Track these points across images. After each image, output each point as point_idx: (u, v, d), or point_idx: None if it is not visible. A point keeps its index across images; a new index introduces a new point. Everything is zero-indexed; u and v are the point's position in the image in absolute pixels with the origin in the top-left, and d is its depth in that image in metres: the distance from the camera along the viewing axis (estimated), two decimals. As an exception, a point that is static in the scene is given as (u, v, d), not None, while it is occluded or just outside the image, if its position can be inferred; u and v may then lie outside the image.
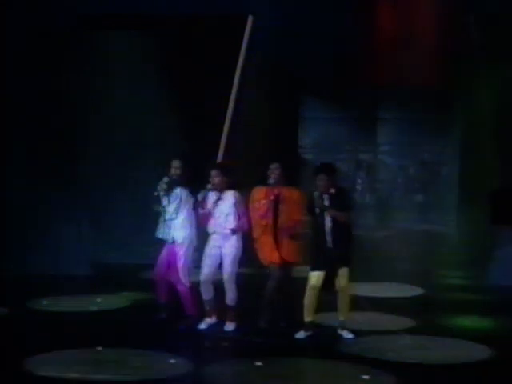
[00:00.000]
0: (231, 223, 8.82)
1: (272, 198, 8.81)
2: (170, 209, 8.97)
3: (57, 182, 12.62)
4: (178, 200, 8.95)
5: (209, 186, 8.80)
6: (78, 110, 13.15)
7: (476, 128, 13.85)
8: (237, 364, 7.90)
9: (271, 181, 8.84)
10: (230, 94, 9.61)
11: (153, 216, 9.14)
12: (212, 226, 8.89)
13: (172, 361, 7.72)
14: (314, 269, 8.55)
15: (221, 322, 8.99)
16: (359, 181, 17.71)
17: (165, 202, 8.99)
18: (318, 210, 8.51)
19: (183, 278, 8.99)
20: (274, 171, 8.83)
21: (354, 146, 17.36)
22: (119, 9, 13.00)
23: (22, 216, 12.51)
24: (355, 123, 16.88)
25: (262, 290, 8.99)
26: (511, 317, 9.73)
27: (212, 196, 8.86)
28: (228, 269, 8.85)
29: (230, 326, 8.96)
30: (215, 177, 8.82)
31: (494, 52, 12.51)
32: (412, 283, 11.91)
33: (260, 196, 8.89)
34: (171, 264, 9.02)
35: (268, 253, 8.88)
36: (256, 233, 8.92)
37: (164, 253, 9.09)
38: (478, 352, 8.20)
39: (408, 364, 7.80)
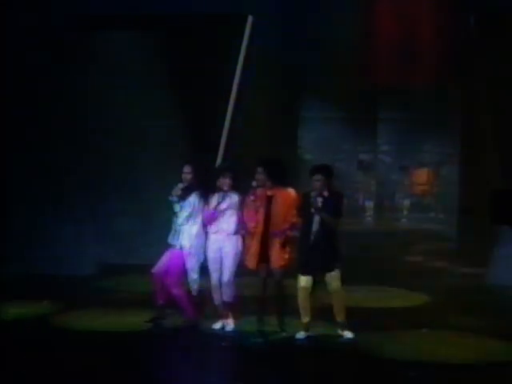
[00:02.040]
0: (233, 224, 8.85)
1: (252, 198, 8.76)
2: (182, 216, 8.97)
3: (57, 181, 12.63)
4: (191, 208, 8.95)
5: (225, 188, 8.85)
6: (78, 110, 13.15)
7: (476, 128, 13.84)
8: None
9: (254, 183, 8.83)
10: (230, 94, 9.59)
11: (153, 217, 9.10)
12: (214, 226, 8.91)
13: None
14: (302, 272, 8.57)
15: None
16: (359, 181, 17.71)
17: (177, 208, 9.00)
18: (312, 210, 8.50)
19: (191, 284, 8.97)
20: (257, 176, 8.80)
21: (353, 146, 17.37)
22: (119, 9, 13.00)
23: (22, 216, 12.51)
24: (355, 123, 16.88)
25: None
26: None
27: (216, 197, 8.89)
28: (228, 268, 8.86)
29: (228, 325, 8.98)
30: (229, 179, 8.86)
31: (494, 52, 12.50)
32: (410, 283, 11.91)
33: (249, 199, 8.85)
34: (169, 269, 8.97)
35: (252, 256, 8.80)
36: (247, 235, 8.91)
37: (166, 256, 9.06)
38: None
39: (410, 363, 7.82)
